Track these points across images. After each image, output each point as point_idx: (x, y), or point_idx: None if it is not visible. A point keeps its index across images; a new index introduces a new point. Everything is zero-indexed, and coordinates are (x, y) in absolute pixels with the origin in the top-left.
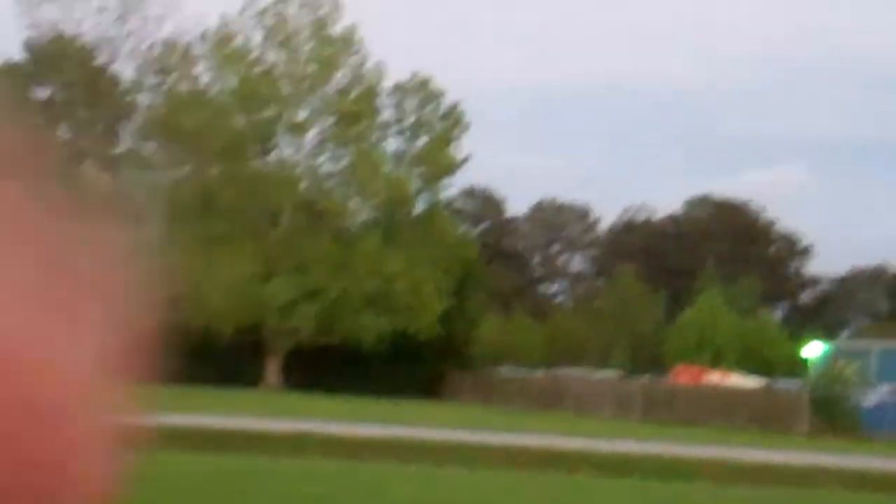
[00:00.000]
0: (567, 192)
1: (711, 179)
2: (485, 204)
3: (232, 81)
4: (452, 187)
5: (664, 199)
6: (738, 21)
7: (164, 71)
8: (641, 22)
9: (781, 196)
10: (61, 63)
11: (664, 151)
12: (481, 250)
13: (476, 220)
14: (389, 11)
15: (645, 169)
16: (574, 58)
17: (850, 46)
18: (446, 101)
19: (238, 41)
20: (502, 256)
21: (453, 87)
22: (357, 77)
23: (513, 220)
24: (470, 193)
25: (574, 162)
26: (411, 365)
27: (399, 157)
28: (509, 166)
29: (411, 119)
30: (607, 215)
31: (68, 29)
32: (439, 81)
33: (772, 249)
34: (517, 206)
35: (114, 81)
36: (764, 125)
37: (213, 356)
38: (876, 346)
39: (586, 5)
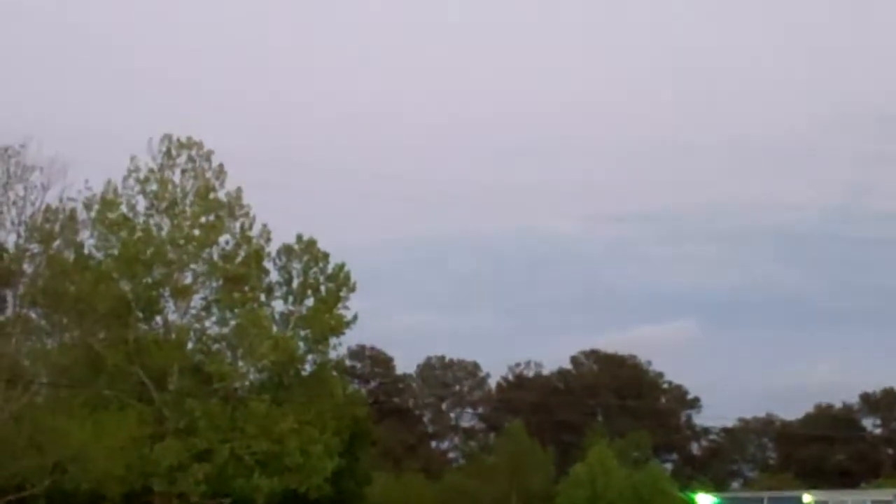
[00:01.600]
0: (455, 349)
1: (598, 334)
2: (374, 362)
3: (116, 247)
4: (341, 347)
5: (553, 354)
6: (619, 184)
7: (47, 238)
8: (525, 180)
9: (669, 350)
10: None
11: (551, 306)
12: (371, 408)
13: (366, 378)
14: (270, 173)
15: (533, 324)
16: (456, 212)
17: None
18: (332, 262)
19: (122, 207)
20: (393, 414)
21: (338, 247)
22: (242, 240)
23: (403, 377)
24: (359, 352)
25: (462, 318)
26: None
27: (286, 318)
28: (397, 324)
29: (298, 281)
30: (497, 371)
31: None
32: (324, 243)
33: (661, 401)
34: (406, 363)
35: None
36: (651, 281)
37: None
38: (766, 496)
39: (460, 160)
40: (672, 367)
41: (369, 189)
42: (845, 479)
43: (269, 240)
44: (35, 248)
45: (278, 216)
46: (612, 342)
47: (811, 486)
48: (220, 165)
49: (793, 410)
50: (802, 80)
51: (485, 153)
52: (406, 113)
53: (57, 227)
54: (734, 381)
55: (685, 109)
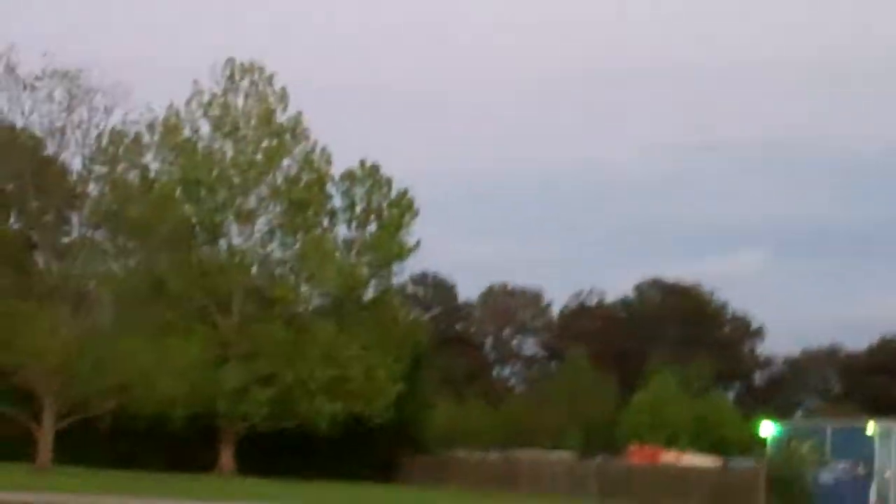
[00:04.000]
0: (518, 276)
1: (662, 265)
2: (436, 290)
3: (179, 171)
4: (403, 273)
5: (616, 283)
6: (685, 112)
7: (112, 160)
8: (588, 109)
9: (733, 280)
10: (10, 153)
11: (614, 236)
12: (433, 335)
13: (427, 305)
14: (334, 99)
15: (596, 253)
16: (521, 144)
17: (801, 129)
18: (395, 188)
19: (185, 131)
20: (454, 341)
21: (401, 173)
22: (305, 165)
23: (464, 306)
24: (421, 279)
25: (525, 247)
26: (365, 449)
27: (349, 243)
28: (460, 252)
29: (361, 206)
30: (559, 299)
31: (16, 119)
32: (387, 166)
33: (724, 331)
34: (469, 291)
35: (62, 171)
36: (716, 212)
37: (166, 442)
38: (830, 425)
39: (528, 93)
40: (736, 298)
41: (432, 117)
42: None
43: (330, 163)
44: (100, 170)
45: (341, 142)
46: (676, 272)
47: (875, 416)
48: (283, 89)
49: (858, 341)
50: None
51: (550, 84)
52: (467, 41)
53: (121, 150)
54: (799, 311)
55: (751, 32)
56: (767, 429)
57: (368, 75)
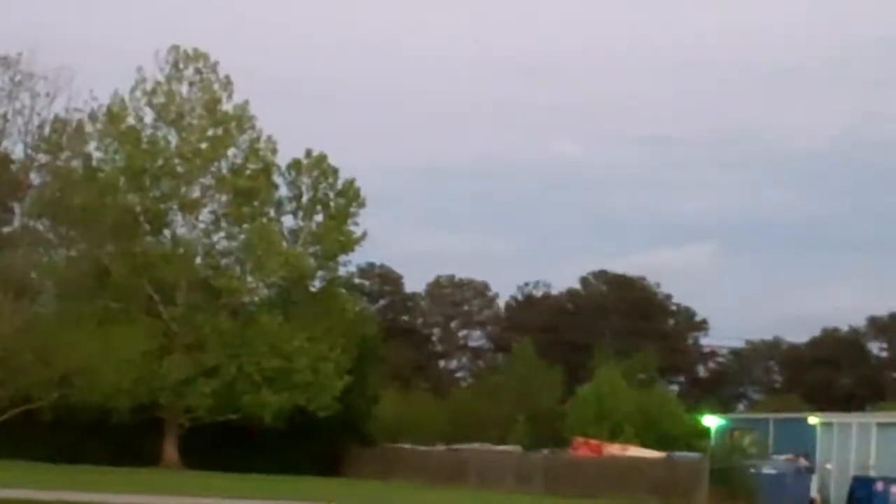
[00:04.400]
0: (465, 268)
1: (607, 257)
2: (383, 281)
3: (123, 159)
4: (350, 264)
5: (562, 275)
6: (636, 103)
7: (54, 149)
8: (536, 100)
9: (678, 273)
10: None
11: (563, 229)
12: (380, 327)
13: (375, 296)
14: (281, 89)
15: (542, 246)
16: (468, 132)
17: (746, 124)
18: (342, 178)
19: (129, 119)
20: (402, 333)
21: (348, 163)
22: (251, 153)
23: (411, 297)
24: (368, 271)
25: (472, 239)
26: (311, 442)
27: (295, 234)
28: (407, 243)
29: (307, 196)
30: (505, 291)
31: None
32: (333, 157)
33: (669, 323)
34: (416, 282)
35: (4, 160)
36: (661, 205)
37: (109, 434)
38: (772, 417)
39: (471, 79)
40: (681, 290)
41: (381, 107)
42: (850, 402)
43: (276, 152)
44: (42, 158)
45: (287, 131)
46: (621, 265)
47: (816, 409)
48: (227, 77)
49: (800, 334)
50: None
51: (497, 73)
52: (420, 30)
53: (64, 138)
54: (742, 304)
55: (692, 31)
56: (710, 421)
57: (316, 65)
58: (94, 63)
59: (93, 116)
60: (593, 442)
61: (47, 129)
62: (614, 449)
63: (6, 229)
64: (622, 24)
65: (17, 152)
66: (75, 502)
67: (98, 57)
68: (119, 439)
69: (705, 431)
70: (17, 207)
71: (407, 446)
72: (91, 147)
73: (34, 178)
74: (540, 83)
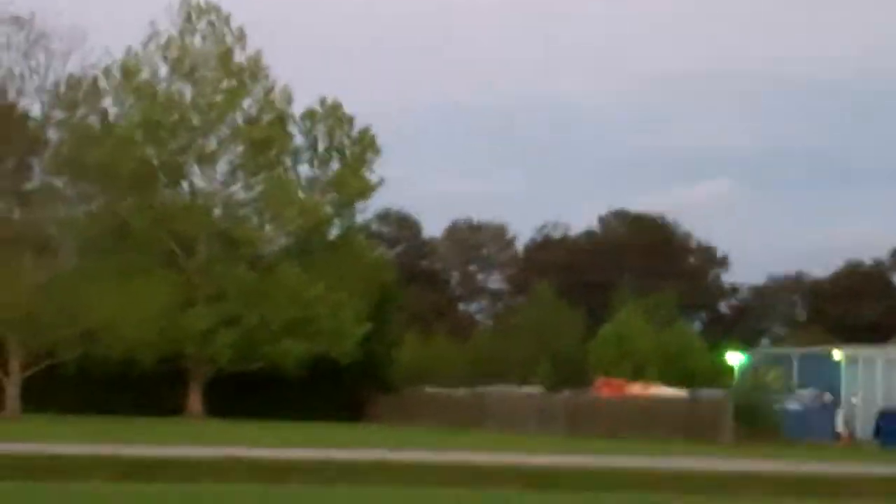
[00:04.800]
0: (482, 211)
1: (627, 196)
2: (400, 226)
3: (139, 114)
4: (367, 211)
5: (580, 215)
6: (649, 41)
7: (71, 106)
8: (549, 43)
9: (698, 210)
10: None
11: (577, 169)
12: (399, 272)
13: (392, 242)
14: (294, 36)
15: (560, 187)
16: (482, 78)
17: (768, 57)
18: (357, 126)
19: (143, 74)
20: (420, 277)
21: (362, 109)
22: (265, 104)
23: (429, 242)
24: (385, 216)
25: (487, 181)
26: (333, 388)
27: (312, 182)
28: (423, 188)
29: (323, 145)
30: (523, 233)
31: None
32: (348, 104)
33: (689, 261)
34: (433, 227)
35: (22, 117)
36: (679, 140)
37: (133, 386)
38: (796, 352)
39: (485, 24)
40: (701, 228)
41: (394, 52)
42: (875, 334)
43: (291, 102)
44: (59, 115)
45: (302, 79)
46: (640, 204)
47: (841, 342)
48: (240, 28)
49: (823, 268)
50: None
51: (512, 17)
52: None
53: (80, 95)
54: (764, 240)
55: None
56: (734, 358)
57: (329, 10)
58: (108, 18)
59: (108, 72)
60: (615, 381)
61: (63, 87)
62: (637, 388)
63: (25, 186)
64: None
65: (35, 110)
66: (109, 455)
67: (111, 12)
68: (143, 390)
69: (728, 368)
70: (35, 164)
71: (429, 390)
72: (107, 102)
73: (52, 134)
74: (547, 24)
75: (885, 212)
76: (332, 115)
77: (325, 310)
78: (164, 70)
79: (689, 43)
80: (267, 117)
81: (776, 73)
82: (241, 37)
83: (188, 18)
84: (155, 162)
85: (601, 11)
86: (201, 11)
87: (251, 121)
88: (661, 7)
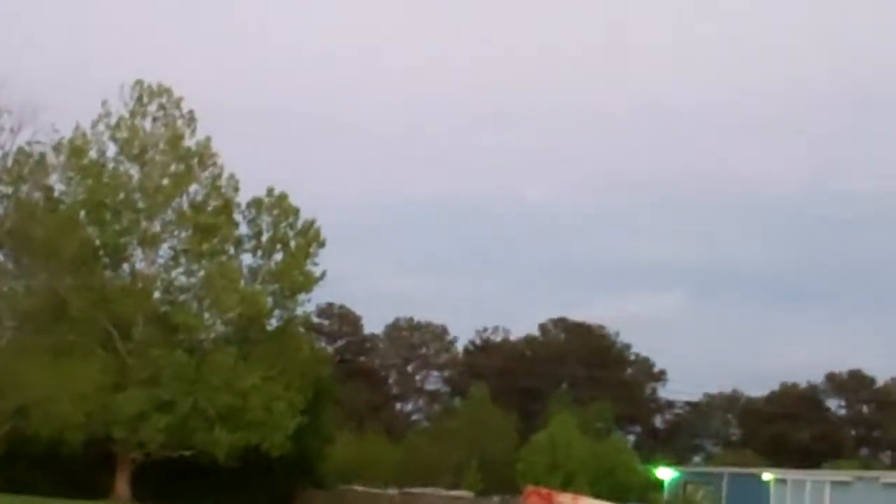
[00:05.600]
0: (424, 311)
1: (568, 305)
2: (342, 321)
3: (84, 193)
4: (309, 303)
5: (521, 321)
6: (596, 152)
7: (16, 180)
8: (501, 143)
9: (637, 322)
10: None
11: (521, 273)
12: (338, 367)
13: (333, 337)
14: (243, 125)
15: (502, 290)
16: (431, 174)
17: (711, 172)
18: (303, 217)
19: (92, 153)
20: (358, 374)
21: (309, 203)
22: (212, 190)
23: (370, 338)
24: (327, 310)
25: (431, 281)
26: (263, 480)
27: (254, 271)
28: (367, 284)
29: (267, 234)
30: (465, 335)
31: None
32: (294, 196)
33: (627, 373)
34: (374, 324)
35: None
36: (621, 253)
37: (62, 466)
38: (726, 471)
39: (435, 121)
40: (639, 340)
41: (343, 145)
42: (807, 458)
43: (237, 190)
44: (4, 189)
45: (249, 168)
46: (581, 312)
47: (773, 464)
48: (191, 112)
49: (758, 387)
50: (785, 52)
51: (461, 118)
52: (383, 72)
53: (26, 171)
54: (701, 356)
55: (659, 79)
56: (665, 474)
57: (279, 100)
58: (59, 96)
59: (56, 149)
60: (544, 490)
61: (10, 161)
62: (565, 498)
63: None
64: (594, 71)
65: None
66: None
67: (62, 90)
68: (72, 472)
69: (659, 484)
70: None
71: (360, 488)
72: (53, 179)
73: None
74: (504, 128)
75: (822, 335)
76: (278, 206)
77: (259, 400)
78: (112, 150)
79: (639, 153)
80: (213, 204)
81: (725, 191)
82: (191, 121)
83: (140, 100)
84: (97, 242)
85: (553, 116)
86: (153, 93)
87: (197, 206)
88: (612, 116)
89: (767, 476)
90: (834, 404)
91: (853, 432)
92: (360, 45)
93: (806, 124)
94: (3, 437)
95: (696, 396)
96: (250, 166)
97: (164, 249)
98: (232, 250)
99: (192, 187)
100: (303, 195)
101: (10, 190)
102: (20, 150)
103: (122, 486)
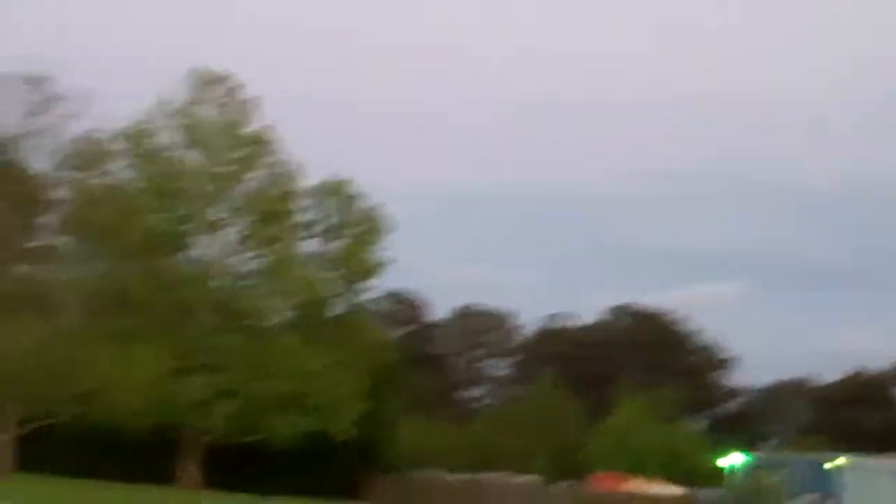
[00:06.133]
0: (492, 298)
1: (639, 291)
2: (409, 308)
3: (146, 179)
4: (374, 289)
5: (589, 308)
6: (669, 136)
7: (79, 166)
8: (561, 134)
9: (706, 309)
10: None
11: (593, 261)
12: (404, 353)
13: (400, 323)
14: (308, 111)
15: (570, 278)
16: (500, 166)
17: (788, 170)
18: (367, 204)
19: (154, 139)
20: (425, 360)
21: (376, 187)
22: (274, 177)
23: (436, 325)
24: (395, 297)
25: (499, 268)
26: (329, 466)
27: (317, 258)
28: (436, 271)
29: (331, 221)
30: (531, 322)
31: None
32: (359, 182)
33: (695, 359)
34: (442, 310)
35: (30, 177)
36: (693, 241)
37: (128, 452)
38: (797, 457)
39: (507, 116)
40: (710, 327)
41: (412, 134)
42: (879, 443)
43: (300, 176)
44: (67, 175)
45: (316, 154)
46: (652, 299)
47: (844, 450)
48: (253, 99)
49: (831, 374)
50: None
51: (525, 107)
52: (444, 66)
53: (90, 157)
54: (773, 342)
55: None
56: (736, 460)
57: (350, 88)
58: (122, 82)
59: (118, 136)
60: (613, 476)
61: (72, 147)
62: (636, 483)
63: (30, 244)
64: (654, 62)
65: (43, 170)
66: None
67: (125, 76)
68: (137, 458)
69: (730, 470)
70: (41, 224)
71: (427, 474)
72: (115, 166)
73: (58, 194)
74: (572, 115)
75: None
76: (342, 192)
77: (323, 385)
78: (174, 137)
79: (711, 143)
80: (275, 190)
81: (794, 180)
82: (253, 108)
83: (202, 87)
84: (160, 228)
85: (618, 106)
86: (214, 80)
87: (259, 192)
88: (682, 105)
89: (840, 461)
90: None
91: None
92: (424, 38)
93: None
94: (69, 424)
95: (766, 382)
96: (314, 154)
97: (227, 236)
98: (295, 236)
99: (255, 173)
100: (371, 183)
101: (72, 176)
102: (83, 136)
103: (192, 471)
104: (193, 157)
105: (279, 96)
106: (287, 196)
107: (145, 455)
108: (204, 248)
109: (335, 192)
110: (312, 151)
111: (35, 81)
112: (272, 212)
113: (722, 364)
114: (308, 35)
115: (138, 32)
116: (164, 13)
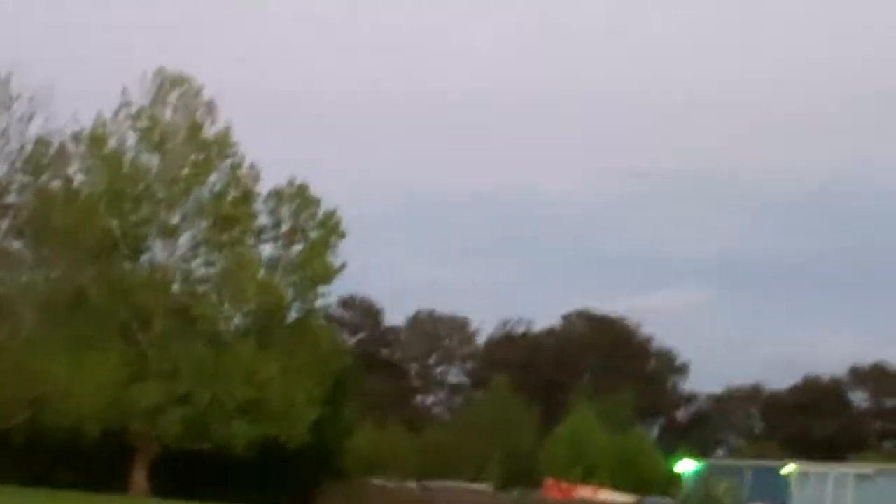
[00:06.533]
0: (446, 303)
1: (592, 297)
2: (363, 313)
3: (104, 182)
4: (329, 295)
5: (544, 313)
6: (619, 143)
7: (35, 170)
8: (527, 133)
9: (661, 313)
10: None
11: (546, 267)
12: (358, 359)
13: (354, 329)
14: (265, 113)
15: (526, 283)
16: (456, 164)
17: (740, 164)
18: (324, 208)
19: (112, 142)
20: (380, 366)
21: (329, 192)
22: (232, 180)
23: (391, 330)
24: (349, 302)
25: (454, 273)
26: (282, 473)
27: (274, 262)
28: (389, 276)
29: (287, 225)
30: (487, 327)
31: None
32: (316, 186)
33: (649, 365)
34: (396, 316)
35: None
36: (646, 245)
37: (80, 460)
38: (749, 464)
39: (462, 116)
40: (663, 333)
41: (367, 135)
42: (831, 451)
43: (258, 180)
44: (23, 179)
45: (271, 157)
46: (605, 305)
47: (795, 457)
48: (211, 101)
49: (781, 380)
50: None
51: (486, 107)
52: (407, 64)
53: (46, 160)
54: (724, 349)
55: (686, 76)
56: (683, 467)
57: (305, 88)
58: (79, 84)
59: (75, 138)
60: (564, 484)
61: (28, 150)
62: (585, 491)
63: None
64: (617, 67)
65: None
66: None
67: (82, 78)
68: (90, 464)
69: (680, 477)
70: None
71: (378, 481)
72: (73, 169)
73: (14, 198)
74: (529, 116)
75: (846, 328)
76: (299, 196)
77: (278, 392)
78: (132, 139)
79: (662, 144)
80: (233, 194)
81: (749, 184)
82: (211, 110)
83: (160, 89)
84: (117, 232)
85: (573, 106)
86: (173, 82)
87: (217, 196)
88: (636, 105)
89: (790, 469)
90: (857, 397)
91: (876, 425)
92: (384, 36)
93: (828, 119)
94: (21, 429)
95: (718, 389)
96: (271, 156)
97: (184, 240)
98: (252, 241)
99: (212, 177)
100: (323, 186)
101: (29, 179)
102: (39, 138)
103: (141, 479)
104: (152, 160)
105: (228, 90)
106: (244, 200)
107: (100, 462)
108: (161, 252)
109: (292, 196)
110: (268, 153)
111: None
112: (230, 216)
113: (676, 370)
114: (260, 27)
115: (96, 31)
116: (127, 12)
